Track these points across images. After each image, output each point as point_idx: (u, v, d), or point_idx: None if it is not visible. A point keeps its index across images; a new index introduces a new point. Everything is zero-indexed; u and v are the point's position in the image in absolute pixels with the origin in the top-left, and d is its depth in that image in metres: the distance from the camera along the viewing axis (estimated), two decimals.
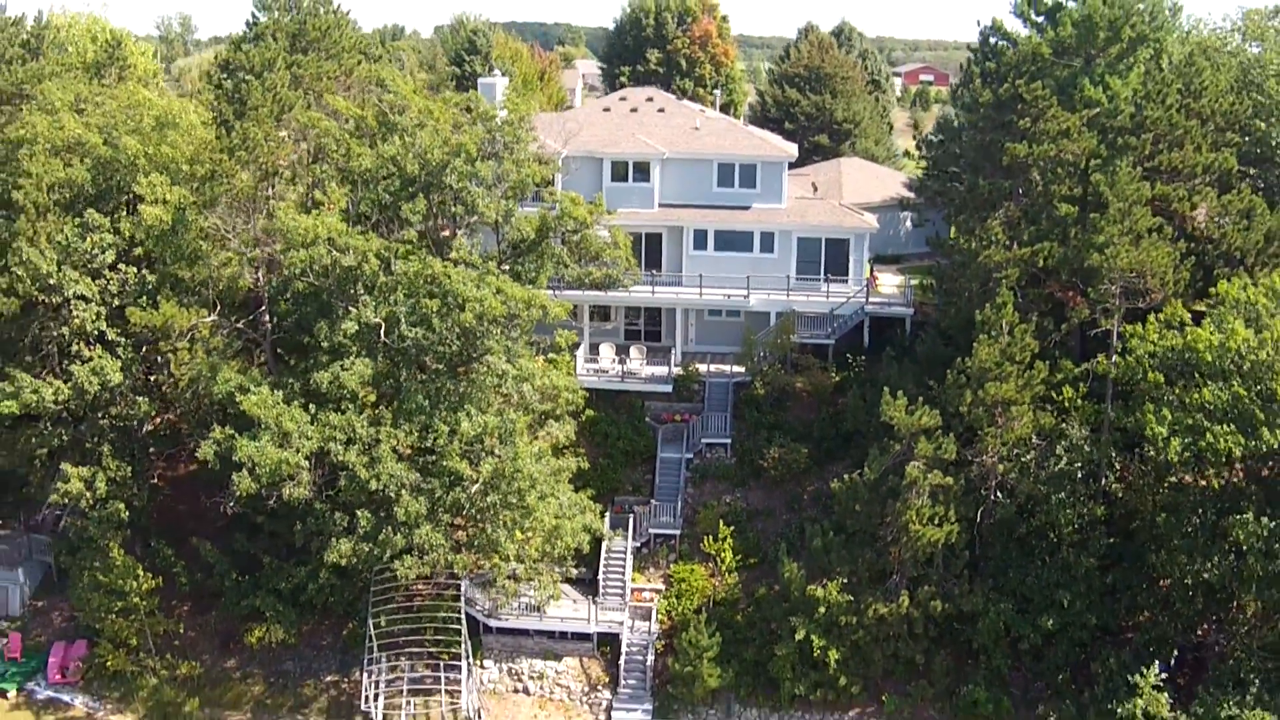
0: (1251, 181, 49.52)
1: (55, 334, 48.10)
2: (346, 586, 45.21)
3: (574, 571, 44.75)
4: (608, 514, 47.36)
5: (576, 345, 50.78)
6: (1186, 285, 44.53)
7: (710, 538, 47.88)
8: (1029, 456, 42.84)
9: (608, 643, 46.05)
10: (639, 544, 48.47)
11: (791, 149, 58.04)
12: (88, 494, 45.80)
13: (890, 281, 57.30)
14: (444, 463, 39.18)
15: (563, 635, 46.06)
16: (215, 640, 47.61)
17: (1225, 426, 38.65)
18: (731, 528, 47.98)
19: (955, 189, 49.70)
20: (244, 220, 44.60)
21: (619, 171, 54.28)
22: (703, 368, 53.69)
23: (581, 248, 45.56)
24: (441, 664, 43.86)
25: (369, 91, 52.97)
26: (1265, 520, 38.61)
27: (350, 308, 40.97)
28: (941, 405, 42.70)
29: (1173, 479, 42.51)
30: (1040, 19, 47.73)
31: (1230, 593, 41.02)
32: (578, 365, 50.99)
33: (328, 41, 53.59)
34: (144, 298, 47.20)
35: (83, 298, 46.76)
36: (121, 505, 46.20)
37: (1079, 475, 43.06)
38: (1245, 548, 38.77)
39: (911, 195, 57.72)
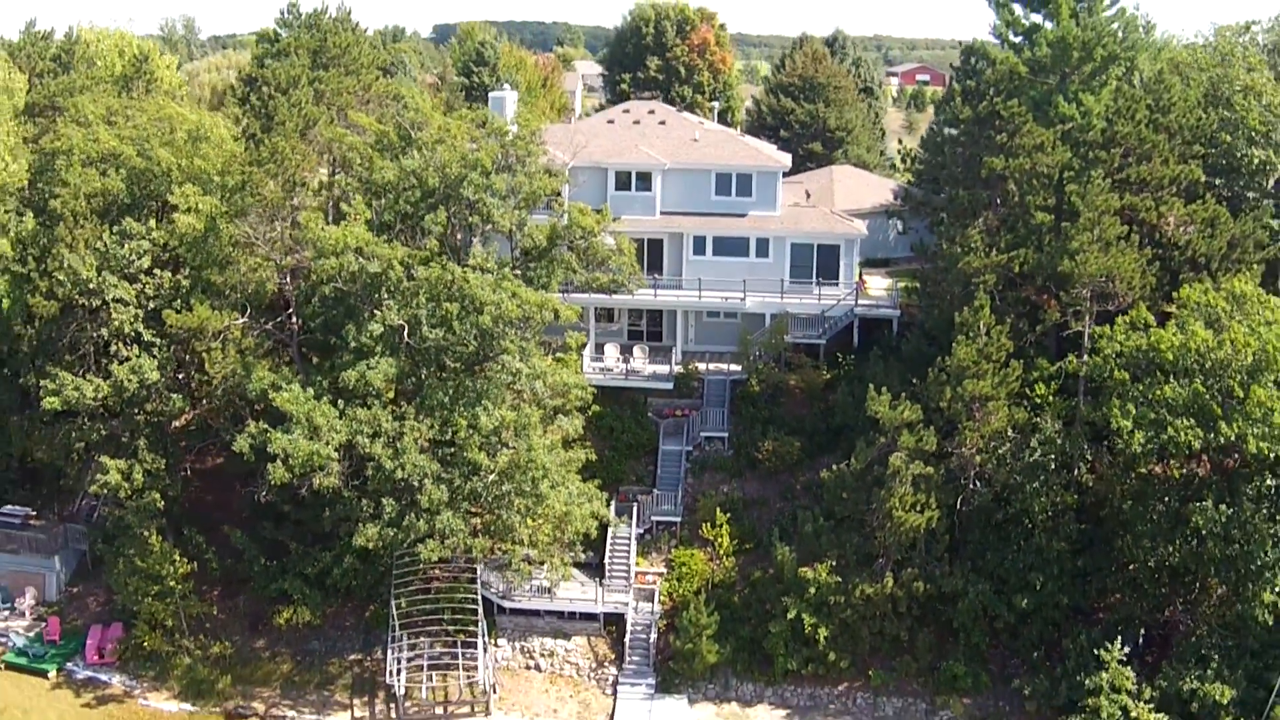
0: (1218, 191, 51.44)
1: (93, 335, 50.37)
2: (368, 571, 47.50)
3: (582, 556, 46.87)
4: (613, 502, 48.86)
5: (583, 345, 53.15)
6: (1154, 289, 46.70)
7: (709, 524, 49.76)
8: (1005, 448, 44.89)
9: (613, 622, 48.05)
10: (642, 530, 50.35)
11: (785, 159, 59.92)
12: (125, 485, 47.90)
13: (879, 284, 59.16)
14: (464, 454, 41.60)
15: (571, 615, 48.02)
16: (245, 622, 49.69)
17: (1186, 421, 40.95)
18: (728, 515, 49.80)
19: (938, 199, 52.00)
20: (272, 228, 46.93)
21: (623, 181, 56.20)
22: (702, 366, 55.52)
23: (589, 254, 47.82)
24: (459, 642, 46.15)
25: (386, 105, 55.41)
26: (1224, 508, 41.02)
27: (375, 311, 43.41)
28: (923, 401, 44.84)
29: (1142, 470, 44.28)
30: (1018, 39, 50.23)
31: (1193, 575, 43.27)
32: (584, 364, 53.12)
33: (347, 58, 55.89)
34: (178, 301, 49.44)
35: (121, 301, 49.16)
36: (157, 495, 48.41)
37: (1052, 466, 44.92)
38: (1205, 533, 41.17)
39: (899, 203, 59.94)
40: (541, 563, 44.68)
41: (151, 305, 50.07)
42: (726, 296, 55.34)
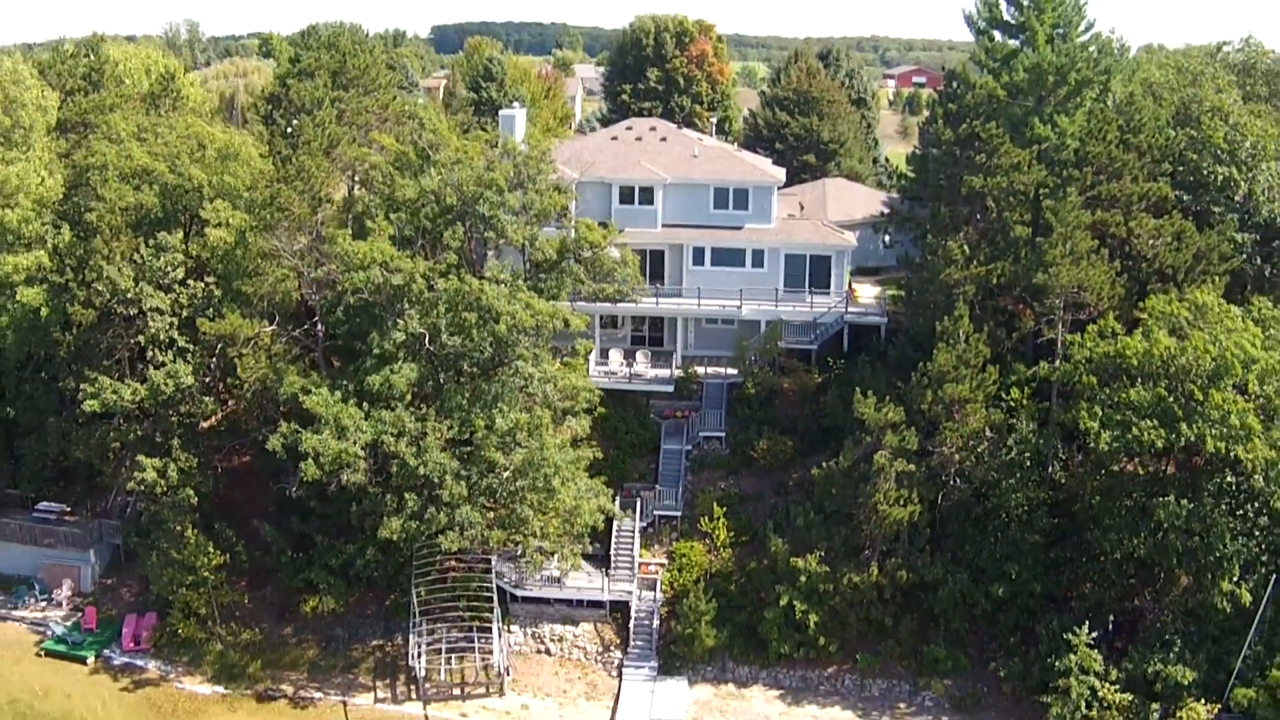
0: (1185, 206, 53.41)
1: (129, 341, 52.84)
2: (389, 562, 49.96)
3: (590, 548, 49.00)
4: (618, 498, 51.25)
5: (589, 351, 55.55)
6: (1124, 299, 49.13)
7: (707, 518, 51.84)
8: (982, 447, 47.16)
9: (619, 610, 50.30)
10: (645, 524, 52.42)
11: (779, 174, 62.06)
12: (161, 482, 50.22)
13: (868, 293, 61.12)
14: (481, 452, 44.33)
15: (579, 603, 50.27)
16: (273, 610, 52.04)
17: (1150, 422, 43.33)
18: (725, 509, 51.89)
19: (922, 214, 54.39)
20: (297, 241, 49.49)
21: (626, 195, 58.39)
22: (701, 370, 57.52)
23: (596, 266, 50.42)
24: (475, 628, 48.63)
25: (403, 123, 57.95)
26: (1185, 503, 43.36)
27: (398, 320, 46.05)
28: (907, 403, 47.19)
29: (1114, 468, 46.50)
30: (997, 64, 52.93)
31: (1158, 565, 45.51)
32: (590, 368, 55.40)
33: (366, 79, 58.55)
34: (210, 309, 51.98)
35: (158, 310, 51.59)
36: (190, 492, 50.67)
37: (1026, 464, 47.15)
38: (1168, 526, 43.42)
39: (887, 214, 62.18)
40: (552, 553, 47.00)
41: (184, 313, 52.37)
42: (724, 304, 57.31)
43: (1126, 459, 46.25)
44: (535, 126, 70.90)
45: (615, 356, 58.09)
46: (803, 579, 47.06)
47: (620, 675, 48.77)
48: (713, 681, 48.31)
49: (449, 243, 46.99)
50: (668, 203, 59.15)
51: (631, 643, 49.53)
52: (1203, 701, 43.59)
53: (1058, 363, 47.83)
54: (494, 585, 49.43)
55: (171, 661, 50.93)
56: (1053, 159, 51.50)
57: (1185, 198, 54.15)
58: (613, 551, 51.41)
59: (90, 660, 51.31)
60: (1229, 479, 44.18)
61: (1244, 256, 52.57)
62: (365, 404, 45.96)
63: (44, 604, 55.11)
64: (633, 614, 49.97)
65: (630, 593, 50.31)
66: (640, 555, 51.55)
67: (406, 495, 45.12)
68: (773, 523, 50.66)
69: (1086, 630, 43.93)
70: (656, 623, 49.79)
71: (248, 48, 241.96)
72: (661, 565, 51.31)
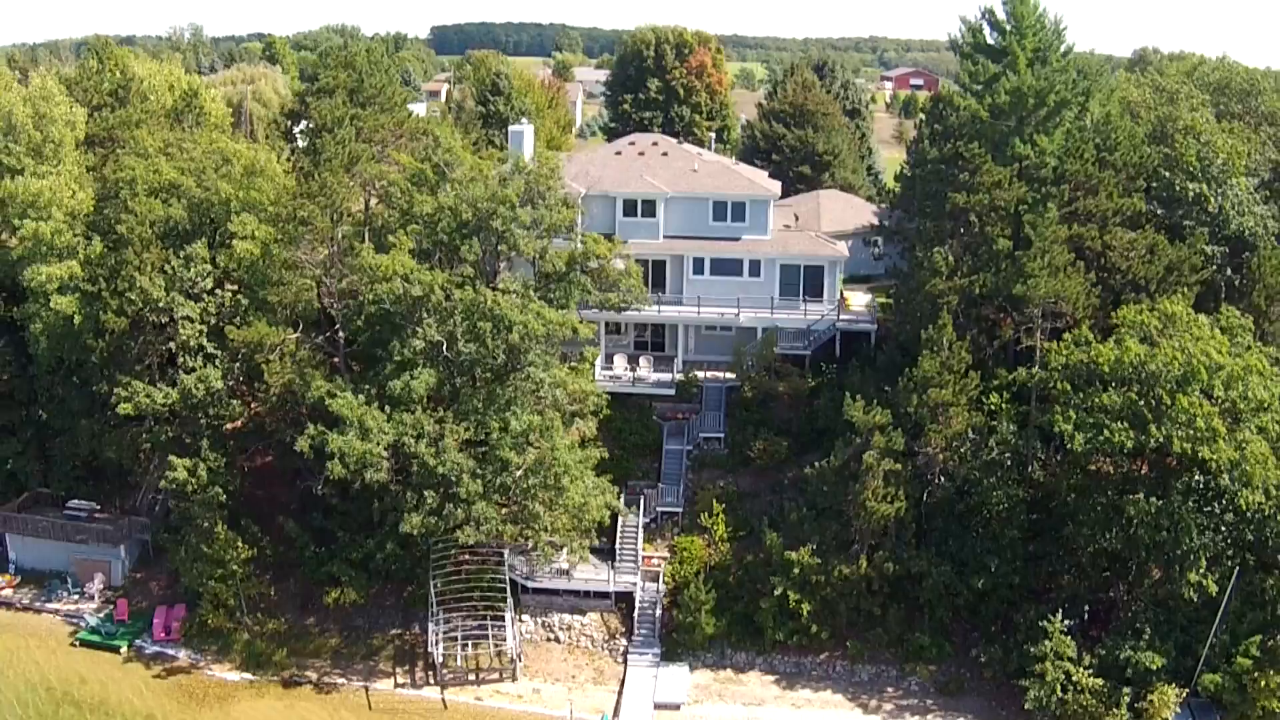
0: (1159, 220, 55.44)
1: (161, 347, 55.17)
2: (407, 556, 52.18)
3: (596, 542, 51.11)
4: (623, 495, 52.98)
5: (596, 357, 57.65)
6: (1098, 308, 51.17)
7: (707, 514, 53.71)
8: (965, 448, 49.22)
9: (624, 600, 52.26)
10: (648, 519, 54.31)
11: (775, 188, 64.11)
12: (192, 481, 52.35)
13: (859, 300, 63.00)
14: (496, 452, 46.76)
15: (587, 594, 52.31)
16: (296, 602, 54.23)
17: (1120, 424, 45.41)
18: (724, 506, 53.76)
19: (909, 228, 56.53)
20: (320, 254, 51.97)
21: (630, 208, 60.53)
22: (700, 374, 59.27)
23: (602, 277, 52.81)
24: (488, 618, 50.95)
25: (417, 139, 60.15)
26: (1154, 500, 45.50)
27: (417, 328, 48.59)
28: (894, 406, 49.28)
29: (1091, 467, 48.48)
30: (980, 87, 55.51)
31: (1130, 559, 47.42)
32: (596, 372, 57.40)
33: (383, 98, 60.83)
34: (237, 317, 54.43)
35: (188, 318, 53.92)
36: (219, 490, 52.75)
37: (1007, 463, 49.18)
38: (1137, 522, 45.53)
39: (875, 232, 64.58)
40: (561, 547, 49.24)
41: (213, 321, 54.75)
42: (722, 312, 59.25)
43: (1102, 459, 48.04)
44: (540, 138, 73.21)
45: (620, 362, 59.93)
46: (796, 571, 48.93)
47: (625, 661, 50.77)
48: (712, 667, 50.35)
49: (466, 256, 49.43)
50: (669, 215, 61.08)
51: (636, 631, 51.48)
52: (1171, 686, 45.36)
53: (1036, 369, 49.92)
54: (506, 577, 51.64)
55: (201, 650, 53.03)
56: (1032, 176, 53.52)
57: (1159, 212, 56.02)
58: (618, 545, 53.32)
59: (123, 650, 53.45)
60: (1197, 478, 46.03)
61: (1214, 268, 54.60)
62: (386, 407, 48.36)
63: (76, 597, 57.31)
64: (637, 604, 51.83)
65: (634, 584, 52.20)
66: (644, 549, 53.38)
67: (426, 492, 47.35)
68: (768, 518, 52.46)
69: (1061, 619, 45.98)
70: (659, 612, 51.67)
71: (251, 51, 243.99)
72: (664, 558, 53.21)
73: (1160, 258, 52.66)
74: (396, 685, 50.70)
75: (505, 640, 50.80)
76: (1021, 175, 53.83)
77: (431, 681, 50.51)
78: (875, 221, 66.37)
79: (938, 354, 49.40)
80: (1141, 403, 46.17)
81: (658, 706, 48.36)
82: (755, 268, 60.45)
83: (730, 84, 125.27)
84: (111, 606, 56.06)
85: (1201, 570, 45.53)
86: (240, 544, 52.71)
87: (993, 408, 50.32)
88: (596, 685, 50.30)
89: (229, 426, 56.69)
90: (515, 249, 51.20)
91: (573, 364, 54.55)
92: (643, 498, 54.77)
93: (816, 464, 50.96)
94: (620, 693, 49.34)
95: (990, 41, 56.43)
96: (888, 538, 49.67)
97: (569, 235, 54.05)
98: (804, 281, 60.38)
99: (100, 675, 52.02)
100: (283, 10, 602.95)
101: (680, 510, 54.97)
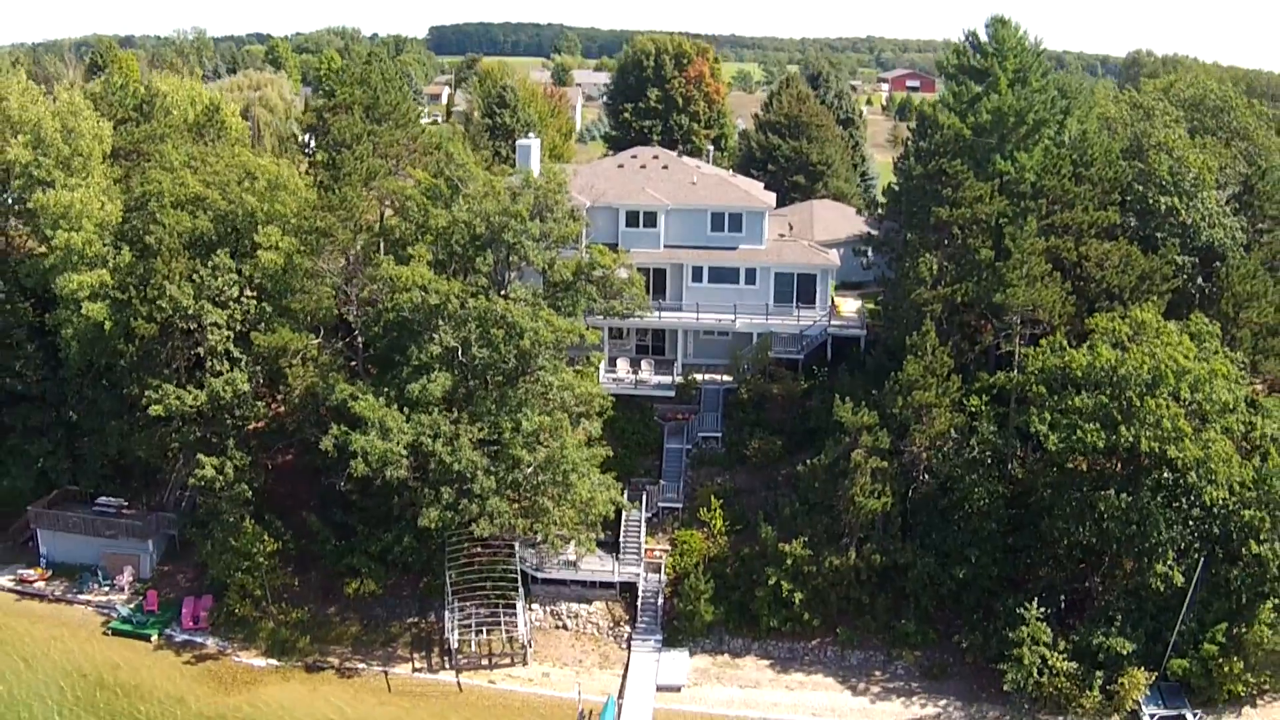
0: (1133, 231, 57.72)
1: (188, 352, 57.47)
2: (424, 548, 54.47)
3: (602, 535, 53.11)
4: (626, 491, 54.54)
5: (600, 361, 60.00)
6: (1074, 316, 53.37)
7: (705, 509, 55.54)
8: (948, 447, 51.39)
9: (627, 590, 54.38)
10: (650, 514, 56.38)
11: (770, 199, 66.54)
12: (219, 478, 54.58)
13: (850, 306, 65.11)
14: (508, 451, 49.36)
15: (592, 584, 54.47)
16: (318, 592, 56.41)
17: (1093, 425, 47.65)
18: (722, 501, 55.63)
19: (896, 239, 59.15)
20: (337, 262, 54.53)
21: (632, 219, 62.90)
22: (699, 377, 61.21)
23: (606, 285, 55.48)
24: (500, 606, 53.23)
25: (431, 153, 62.78)
26: (1124, 496, 47.63)
27: (433, 335, 51.23)
28: (881, 407, 51.51)
29: (1067, 465, 50.20)
30: (963, 106, 58.35)
31: (1102, 551, 49.42)
32: (600, 375, 59.55)
33: (397, 114, 63.61)
34: (262, 324, 56.84)
35: (215, 324, 56.32)
36: (245, 486, 55.10)
37: (987, 462, 51.18)
38: (1108, 517, 47.63)
39: (864, 243, 67.01)
40: (569, 540, 51.63)
41: (239, 327, 57.08)
42: (720, 318, 61.38)
43: (1076, 457, 49.96)
44: (543, 147, 75.55)
45: (622, 365, 62.09)
46: (789, 562, 51.12)
47: (629, 647, 52.81)
48: (711, 652, 52.44)
49: (479, 267, 52.24)
50: (669, 226, 63.36)
51: (639, 619, 53.48)
52: (1141, 670, 47.30)
53: (1015, 372, 52.41)
54: (517, 568, 53.99)
55: (228, 638, 55.18)
56: (1013, 191, 56.13)
57: (1133, 224, 58.36)
58: (622, 539, 55.38)
59: (154, 638, 55.56)
60: (1165, 475, 47.95)
61: (1185, 277, 56.92)
62: (404, 409, 50.96)
63: (106, 589, 59.50)
64: (640, 594, 53.88)
65: (638, 575, 54.25)
66: (646, 542, 55.32)
67: (442, 488, 49.82)
68: (763, 513, 54.17)
69: (1038, 607, 48.13)
70: (661, 601, 53.68)
71: (253, 54, 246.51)
72: (665, 551, 55.15)
73: (1133, 268, 54.78)
74: (414, 670, 52.85)
75: (516, 627, 52.98)
76: (1002, 190, 56.24)
77: (447, 666, 52.74)
78: (865, 232, 67.72)
79: (922, 358, 51.56)
80: (1113, 405, 48.28)
81: (660, 689, 50.30)
82: (751, 275, 62.48)
83: (728, 86, 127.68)
84: (141, 598, 58.02)
85: (1169, 562, 47.37)
86: (265, 537, 54.87)
87: (974, 409, 52.42)
88: (602, 669, 52.49)
89: (252, 427, 58.87)
90: (526, 260, 53.77)
91: (579, 367, 56.77)
92: (645, 494, 56.76)
93: (808, 462, 52.83)
94: (625, 676, 51.32)
95: (974, 63, 59.13)
96: (875, 531, 51.63)
97: (575, 246, 56.51)
98: (797, 289, 62.42)
99: (133, 662, 54.04)
100: (282, 10, 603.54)
101: (680, 506, 56.90)
